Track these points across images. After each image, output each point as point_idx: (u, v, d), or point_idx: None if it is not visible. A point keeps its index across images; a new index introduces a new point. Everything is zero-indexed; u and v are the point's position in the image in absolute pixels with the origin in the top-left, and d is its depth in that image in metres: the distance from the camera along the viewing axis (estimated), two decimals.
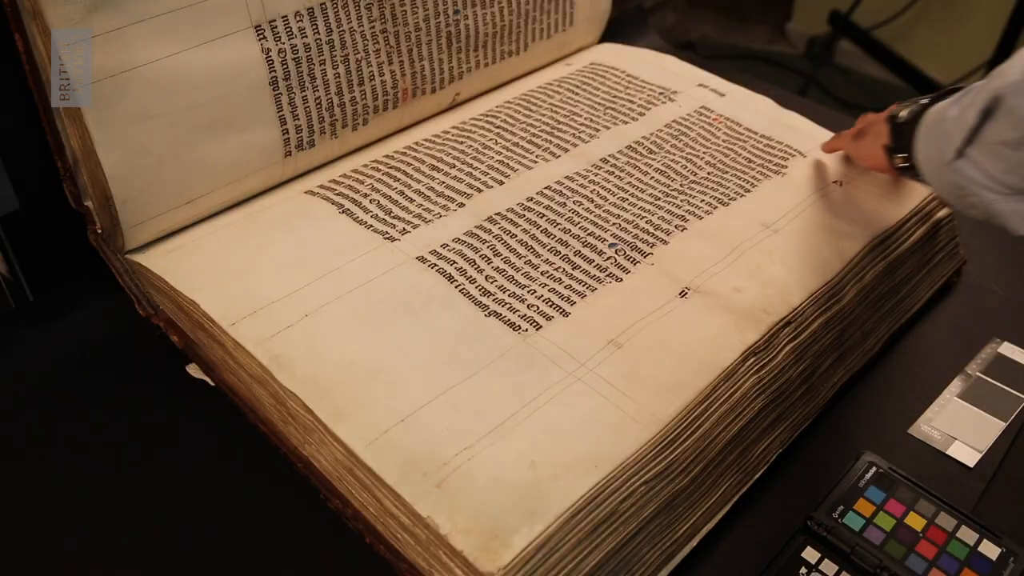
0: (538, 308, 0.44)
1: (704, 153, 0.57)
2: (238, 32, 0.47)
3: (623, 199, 0.52)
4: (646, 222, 0.50)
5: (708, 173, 0.54)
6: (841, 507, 0.42)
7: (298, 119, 0.51)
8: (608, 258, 0.47)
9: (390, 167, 0.54)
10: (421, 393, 0.39)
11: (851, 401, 0.49)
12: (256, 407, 0.44)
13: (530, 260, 0.47)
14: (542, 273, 0.46)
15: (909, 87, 1.57)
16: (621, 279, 0.46)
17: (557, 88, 0.63)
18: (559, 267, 0.46)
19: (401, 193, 0.51)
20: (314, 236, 0.48)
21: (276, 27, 0.48)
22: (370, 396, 0.39)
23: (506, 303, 0.44)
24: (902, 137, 0.47)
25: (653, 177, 0.54)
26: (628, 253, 0.48)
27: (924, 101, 0.46)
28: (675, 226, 0.50)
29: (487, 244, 0.48)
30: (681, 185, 0.53)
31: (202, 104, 0.46)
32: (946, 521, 0.42)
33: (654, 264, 0.47)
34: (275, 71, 0.49)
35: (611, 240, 0.48)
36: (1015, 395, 0.49)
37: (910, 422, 0.48)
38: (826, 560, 0.40)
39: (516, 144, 0.56)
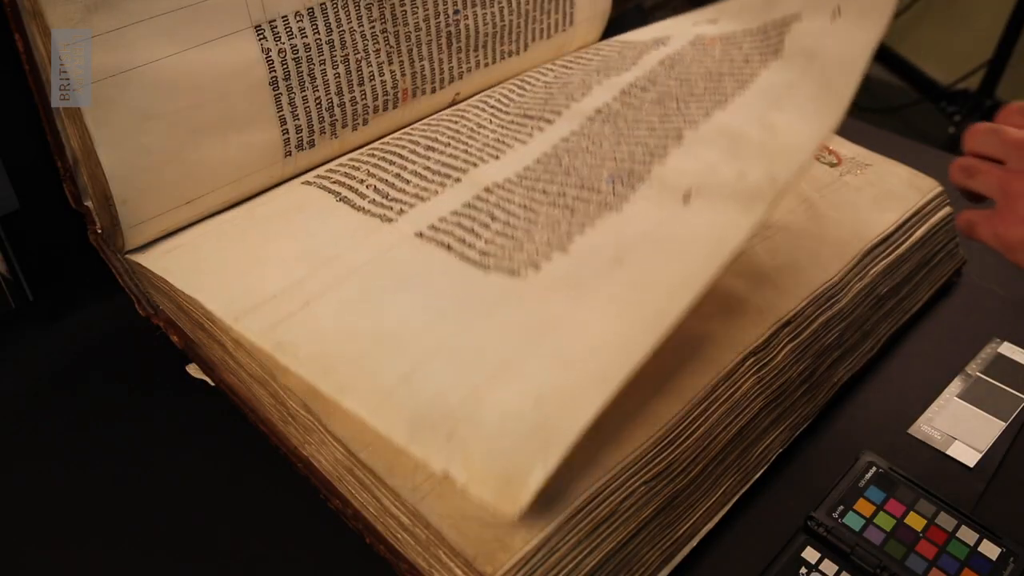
0: (537, 251, 0.43)
1: (700, 71, 0.54)
2: (238, 32, 0.47)
3: (618, 140, 0.50)
4: (643, 149, 0.48)
5: (705, 87, 0.52)
6: (841, 507, 0.42)
7: (298, 119, 0.51)
8: (606, 193, 0.46)
9: (385, 151, 0.53)
10: (422, 349, 0.39)
11: (851, 401, 0.49)
12: (256, 407, 0.44)
13: (529, 218, 0.46)
14: (541, 226, 0.45)
15: (909, 87, 1.57)
16: (621, 209, 0.45)
17: (551, 67, 0.63)
18: (558, 217, 0.46)
19: (397, 176, 0.51)
20: (313, 227, 0.48)
21: (276, 27, 0.48)
22: (373, 362, 0.39)
23: (506, 256, 0.43)
24: None
25: (648, 110, 0.52)
26: (626, 180, 0.46)
27: None
28: (671, 141, 0.48)
29: (484, 212, 0.47)
30: (678, 106, 0.51)
31: (202, 104, 0.46)
32: (946, 521, 0.42)
33: (652, 186, 0.45)
34: (275, 71, 0.49)
35: (608, 177, 0.47)
36: (1015, 395, 0.49)
37: (910, 422, 0.48)
38: (826, 560, 0.40)
39: (511, 122, 0.55)
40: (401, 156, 0.53)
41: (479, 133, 0.54)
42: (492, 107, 0.58)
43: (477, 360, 0.38)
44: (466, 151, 0.52)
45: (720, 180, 0.43)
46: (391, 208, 0.48)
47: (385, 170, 0.51)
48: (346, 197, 0.50)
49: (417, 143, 0.54)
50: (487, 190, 0.49)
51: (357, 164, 0.52)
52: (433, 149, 0.53)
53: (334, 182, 0.51)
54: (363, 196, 0.50)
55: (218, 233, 0.49)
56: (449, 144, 0.53)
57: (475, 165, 0.51)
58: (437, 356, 0.39)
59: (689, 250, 0.40)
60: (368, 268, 0.44)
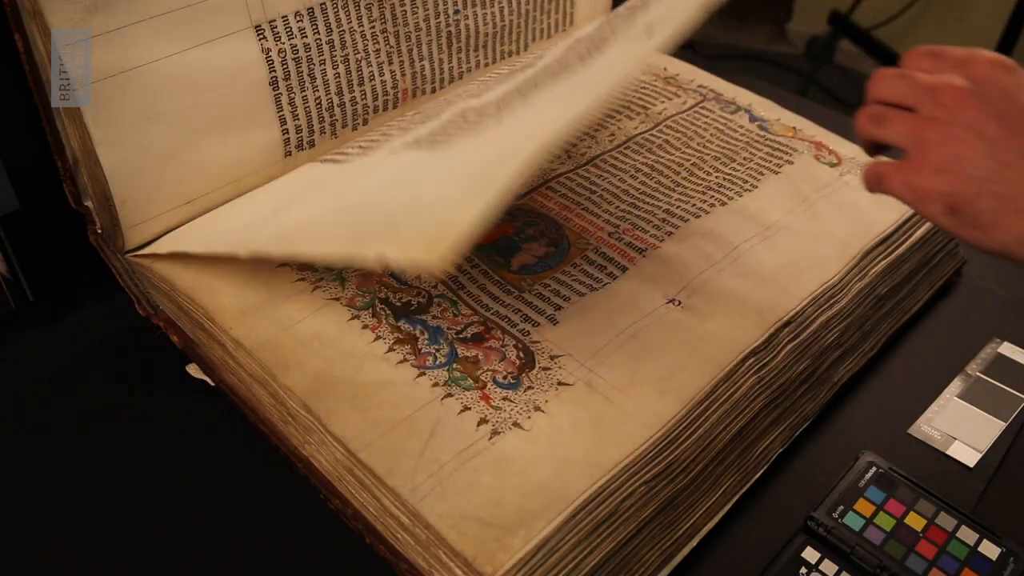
0: (502, 115, 0.44)
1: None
2: (238, 32, 0.47)
3: (591, 43, 0.50)
4: (610, 35, 0.48)
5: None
6: (841, 507, 0.42)
7: (298, 119, 0.51)
8: (576, 68, 0.46)
9: (376, 131, 0.55)
10: (375, 196, 0.41)
11: (851, 401, 0.49)
12: (256, 407, 0.44)
13: (502, 114, 0.46)
14: (513, 109, 0.45)
15: None
16: (588, 69, 0.45)
17: (542, 52, 0.63)
18: (529, 98, 0.46)
19: (383, 135, 0.52)
20: (297, 182, 0.50)
21: (276, 27, 0.48)
22: (327, 218, 0.41)
23: (472, 133, 0.44)
24: None
25: (620, 23, 0.51)
26: (593, 52, 0.47)
27: None
28: (640, 14, 0.47)
29: (459, 120, 0.47)
30: (644, 4, 0.50)
31: (202, 104, 0.46)
32: (946, 521, 0.42)
33: (618, 41, 0.46)
34: (275, 71, 0.49)
35: (578, 58, 0.47)
36: (1015, 395, 0.49)
37: (910, 422, 0.48)
38: (826, 560, 0.40)
39: (496, 82, 0.56)
40: (389, 127, 0.54)
41: (463, 96, 0.55)
42: (480, 81, 0.59)
43: (424, 182, 0.39)
44: (448, 103, 0.53)
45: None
46: (370, 148, 0.50)
47: (373, 137, 0.53)
48: (332, 159, 0.51)
49: (404, 116, 0.55)
50: (463, 112, 0.49)
51: (345, 142, 0.54)
52: (418, 113, 0.54)
53: (323, 158, 0.53)
54: (347, 155, 0.51)
55: (211, 216, 0.50)
56: (433, 108, 0.54)
57: (453, 104, 0.52)
58: (386, 193, 0.40)
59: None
60: (340, 175, 0.47)
